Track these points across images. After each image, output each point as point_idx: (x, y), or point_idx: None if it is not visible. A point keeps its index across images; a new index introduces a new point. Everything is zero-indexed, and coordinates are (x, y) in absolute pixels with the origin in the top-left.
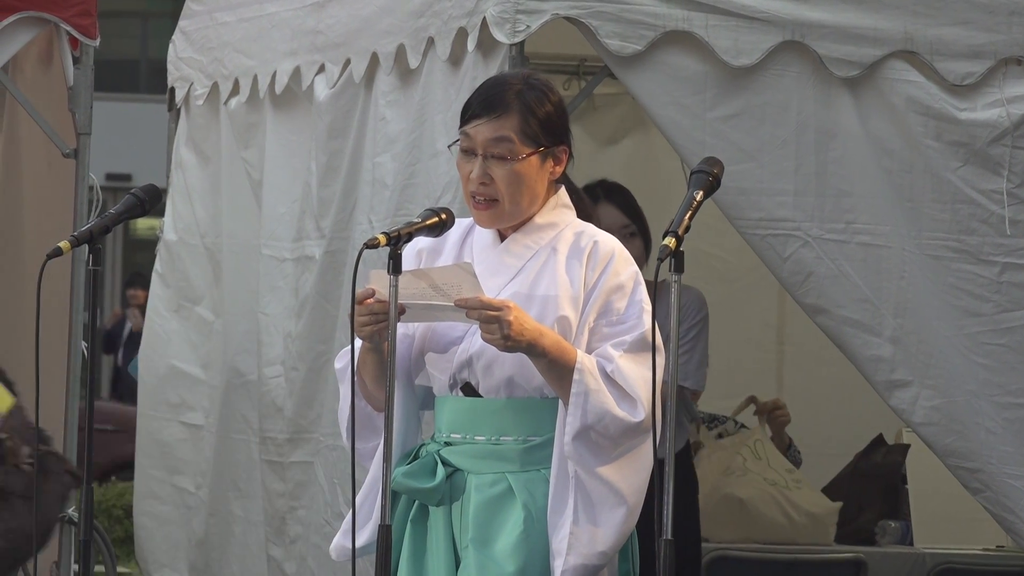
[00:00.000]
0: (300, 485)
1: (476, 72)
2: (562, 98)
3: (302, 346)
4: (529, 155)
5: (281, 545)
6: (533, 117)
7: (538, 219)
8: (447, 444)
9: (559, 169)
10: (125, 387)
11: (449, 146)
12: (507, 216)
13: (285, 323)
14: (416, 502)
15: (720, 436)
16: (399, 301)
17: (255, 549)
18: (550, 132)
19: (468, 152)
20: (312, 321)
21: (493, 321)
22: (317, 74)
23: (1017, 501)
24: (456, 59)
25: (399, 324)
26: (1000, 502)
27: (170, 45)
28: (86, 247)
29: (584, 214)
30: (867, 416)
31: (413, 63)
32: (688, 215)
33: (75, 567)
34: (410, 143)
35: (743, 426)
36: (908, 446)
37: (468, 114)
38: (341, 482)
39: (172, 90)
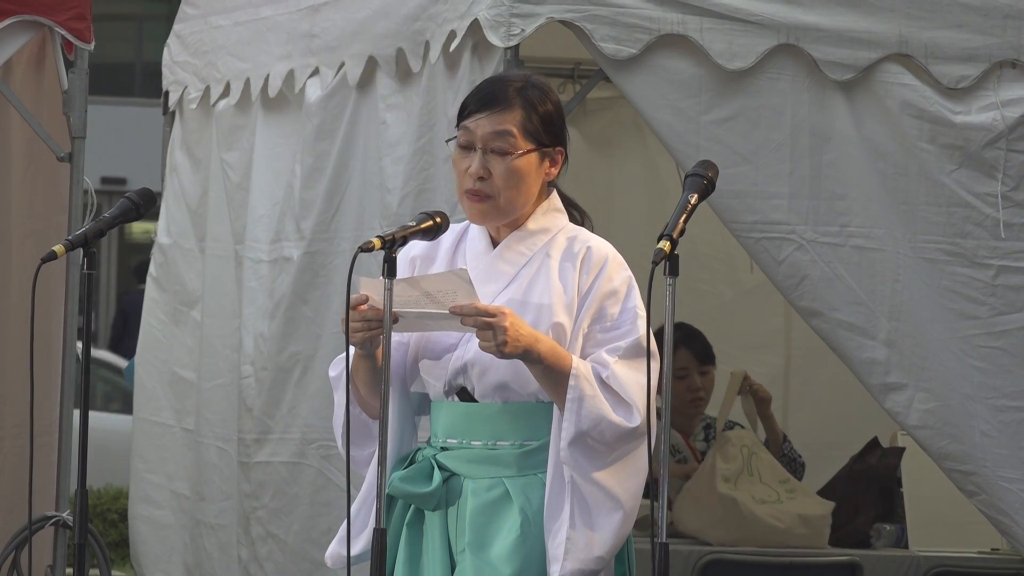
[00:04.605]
0: (261, 485)
1: (473, 76)
2: (560, 101)
3: (273, 347)
4: (529, 151)
5: (248, 545)
6: (535, 114)
7: (531, 224)
8: (443, 449)
9: (554, 171)
10: None
11: (447, 141)
12: (500, 212)
13: (257, 324)
14: (412, 506)
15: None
16: (393, 310)
17: (218, 554)
18: (550, 131)
19: (467, 147)
20: (286, 321)
21: (489, 328)
22: (310, 77)
23: (1012, 504)
24: (453, 63)
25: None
26: (995, 505)
27: (165, 49)
28: (80, 251)
29: (575, 220)
30: (862, 419)
31: (415, 67)
32: (683, 218)
33: (69, 570)
34: (419, 148)
35: (739, 425)
36: (903, 449)
37: (467, 110)
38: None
39: (167, 94)
